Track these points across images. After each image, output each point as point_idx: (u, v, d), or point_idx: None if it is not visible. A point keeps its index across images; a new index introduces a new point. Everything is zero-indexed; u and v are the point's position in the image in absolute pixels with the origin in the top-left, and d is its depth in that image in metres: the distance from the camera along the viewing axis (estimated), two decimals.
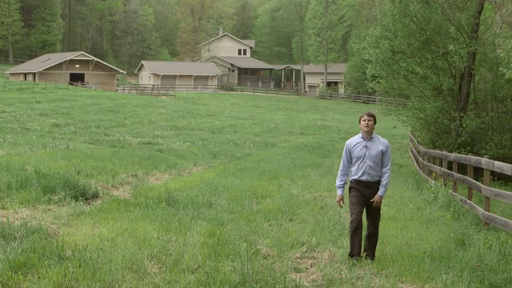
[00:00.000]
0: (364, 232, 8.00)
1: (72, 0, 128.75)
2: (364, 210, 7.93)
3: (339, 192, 8.04)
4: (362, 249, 7.84)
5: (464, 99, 23.42)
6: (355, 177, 7.89)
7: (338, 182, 8.05)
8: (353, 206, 7.84)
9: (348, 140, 8.10)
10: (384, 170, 7.89)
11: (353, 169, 7.94)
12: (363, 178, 7.82)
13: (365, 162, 7.80)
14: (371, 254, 7.85)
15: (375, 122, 7.91)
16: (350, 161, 7.97)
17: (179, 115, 49.27)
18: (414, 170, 24.61)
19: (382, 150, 7.84)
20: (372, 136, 7.92)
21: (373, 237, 7.92)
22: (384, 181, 7.85)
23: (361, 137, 7.93)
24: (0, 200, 10.40)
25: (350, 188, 7.99)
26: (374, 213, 7.93)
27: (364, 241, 7.92)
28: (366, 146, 7.83)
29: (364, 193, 7.82)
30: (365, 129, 7.86)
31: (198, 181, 14.94)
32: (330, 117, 61.51)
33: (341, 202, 8.01)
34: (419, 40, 23.78)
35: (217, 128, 42.20)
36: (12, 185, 11.36)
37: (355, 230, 7.74)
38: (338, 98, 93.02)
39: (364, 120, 7.88)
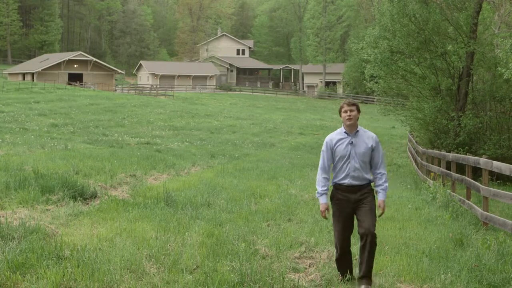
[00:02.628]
0: (355, 243, 6.84)
1: (71, 0, 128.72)
2: (354, 218, 6.63)
3: (322, 200, 6.55)
4: (356, 270, 6.64)
5: (463, 99, 23.45)
6: (335, 180, 6.54)
7: (319, 189, 6.55)
8: (337, 223, 6.52)
9: (328, 136, 6.65)
10: (380, 171, 6.55)
11: (335, 171, 6.58)
12: (345, 182, 6.45)
13: (349, 162, 6.43)
14: (366, 274, 6.40)
15: (358, 112, 6.51)
16: (332, 160, 6.56)
17: (177, 115, 49.26)
18: (413, 170, 24.62)
19: (372, 145, 6.47)
20: (358, 129, 6.51)
21: (369, 247, 6.32)
22: (383, 183, 6.53)
23: (344, 132, 6.52)
24: None
25: (332, 197, 6.61)
26: (366, 216, 6.42)
27: (358, 256, 6.59)
28: (351, 143, 6.44)
29: (348, 199, 6.48)
30: (348, 122, 6.45)
31: (197, 181, 14.94)
32: (329, 117, 61.52)
33: (325, 212, 6.56)
34: (417, 40, 23.81)
35: (216, 128, 42.19)
36: (10, 185, 11.36)
37: (342, 256, 6.55)
38: (337, 98, 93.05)
39: (346, 111, 6.48)
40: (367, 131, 6.60)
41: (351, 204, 6.46)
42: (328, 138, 6.63)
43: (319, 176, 6.59)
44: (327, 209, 6.55)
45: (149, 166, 17.64)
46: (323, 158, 6.59)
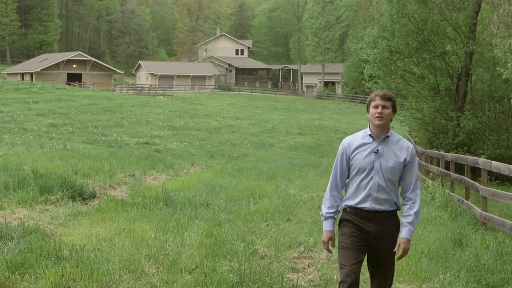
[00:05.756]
0: None
1: (69, 0, 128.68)
2: (366, 260, 4.85)
3: (326, 226, 4.81)
4: None
5: (462, 99, 23.44)
6: (352, 202, 4.74)
7: (325, 210, 4.82)
8: (346, 254, 4.66)
9: (346, 139, 4.84)
10: (410, 196, 4.75)
11: (350, 189, 4.78)
12: (366, 205, 4.66)
13: (371, 178, 4.65)
14: None
15: (394, 111, 4.76)
16: (347, 174, 4.80)
17: (176, 115, 49.25)
18: None
19: (405, 160, 4.70)
20: (389, 134, 4.76)
21: None
22: (411, 214, 4.71)
23: (370, 135, 4.73)
24: None
25: (341, 222, 4.83)
26: (383, 268, 4.76)
27: None
28: (377, 151, 4.66)
29: (366, 231, 4.68)
30: (377, 121, 4.67)
31: (196, 181, 14.94)
32: (328, 117, 61.54)
33: (329, 244, 4.83)
34: (416, 40, 23.80)
35: (215, 128, 42.19)
36: (9, 185, 11.35)
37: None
38: (336, 98, 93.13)
39: (376, 106, 4.69)
40: (401, 139, 4.81)
41: (367, 237, 4.69)
42: (345, 141, 4.82)
43: (328, 192, 4.85)
44: (331, 239, 4.82)
45: (148, 166, 17.63)
46: (336, 167, 4.83)
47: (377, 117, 4.65)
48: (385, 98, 4.68)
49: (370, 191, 4.64)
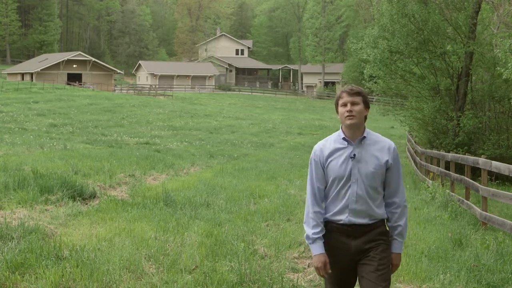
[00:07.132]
0: None
1: (70, 0, 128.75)
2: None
3: (315, 250, 4.08)
4: None
5: (462, 99, 23.44)
6: (326, 214, 4.14)
7: (310, 231, 4.09)
8: (330, 286, 4.26)
9: (317, 145, 4.21)
10: (394, 200, 4.14)
11: (326, 199, 4.19)
12: (342, 218, 4.06)
13: (349, 187, 4.04)
14: None
15: (366, 106, 4.14)
16: (325, 183, 4.13)
17: (176, 115, 49.25)
18: (412, 170, 24.61)
19: (387, 162, 4.07)
20: (365, 135, 4.10)
21: None
22: (401, 225, 4.14)
23: (343, 138, 4.10)
24: None
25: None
26: (377, 280, 3.98)
27: None
28: (353, 156, 4.04)
29: (348, 249, 4.08)
30: (349, 121, 4.04)
31: (196, 181, 14.93)
32: (328, 117, 61.52)
33: (324, 269, 4.08)
34: (416, 40, 23.81)
35: (215, 128, 42.19)
36: (9, 185, 11.35)
37: None
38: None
39: (345, 105, 4.09)
40: (380, 138, 4.17)
41: (351, 255, 4.09)
42: (317, 147, 4.19)
43: (309, 209, 4.15)
44: (326, 263, 4.08)
45: (148, 166, 17.63)
46: (312, 179, 4.18)
47: (347, 116, 4.04)
48: (353, 93, 4.07)
49: (347, 202, 4.04)
